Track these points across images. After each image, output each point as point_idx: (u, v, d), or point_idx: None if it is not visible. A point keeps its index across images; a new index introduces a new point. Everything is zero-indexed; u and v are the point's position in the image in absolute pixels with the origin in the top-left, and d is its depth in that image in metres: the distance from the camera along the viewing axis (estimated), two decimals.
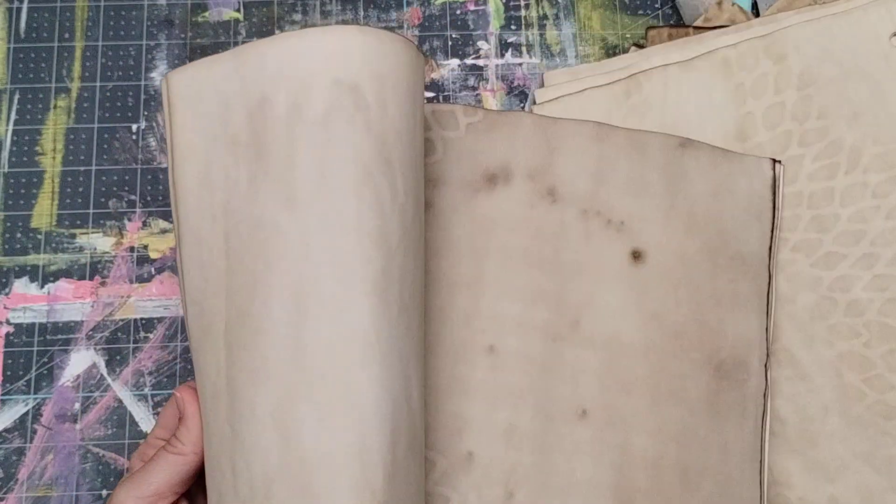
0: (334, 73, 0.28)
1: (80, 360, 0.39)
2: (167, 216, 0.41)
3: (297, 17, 0.44)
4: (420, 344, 0.32)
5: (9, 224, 0.41)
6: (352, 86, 0.28)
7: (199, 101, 0.30)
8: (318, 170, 0.28)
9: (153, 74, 0.43)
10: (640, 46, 0.43)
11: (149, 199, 0.41)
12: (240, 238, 0.29)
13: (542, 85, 0.43)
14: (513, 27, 0.44)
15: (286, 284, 0.28)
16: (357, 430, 0.28)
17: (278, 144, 0.28)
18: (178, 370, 0.39)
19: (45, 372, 0.39)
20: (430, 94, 0.43)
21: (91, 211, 0.41)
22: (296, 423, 0.27)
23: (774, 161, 0.39)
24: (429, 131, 0.39)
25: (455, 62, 0.43)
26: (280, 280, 0.28)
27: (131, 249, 0.41)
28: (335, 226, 0.28)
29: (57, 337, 0.39)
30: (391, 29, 0.44)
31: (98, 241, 0.41)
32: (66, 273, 0.40)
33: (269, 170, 0.28)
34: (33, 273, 0.40)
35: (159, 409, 0.39)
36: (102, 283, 0.40)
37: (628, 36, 0.44)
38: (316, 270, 0.28)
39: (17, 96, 0.42)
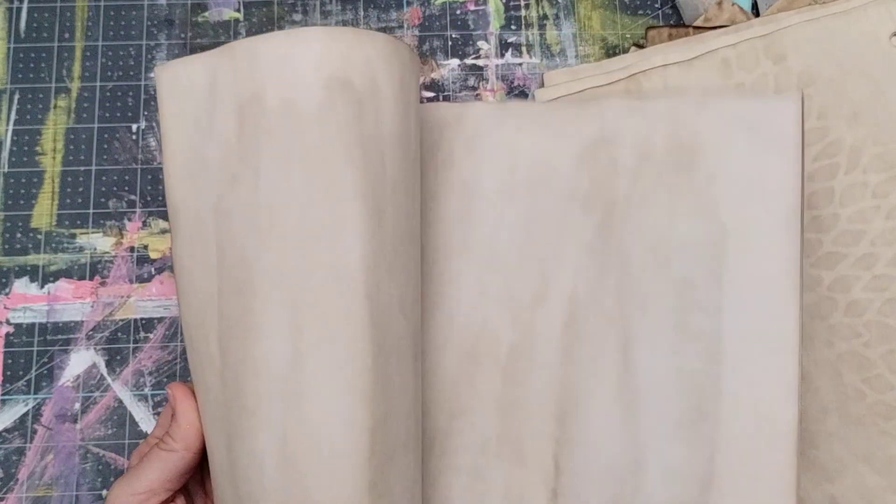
0: (327, 70, 0.28)
1: (80, 360, 0.39)
2: (167, 216, 0.41)
3: (298, 17, 0.44)
4: (414, 348, 0.32)
5: (9, 224, 0.41)
6: (345, 82, 0.28)
7: (188, 96, 0.30)
8: (313, 169, 0.28)
9: (153, 74, 0.43)
10: (640, 46, 0.43)
11: (149, 199, 0.41)
12: (232, 235, 0.29)
13: (541, 85, 0.43)
14: (513, 27, 0.44)
15: (283, 290, 0.28)
16: (352, 440, 0.28)
17: (272, 142, 0.28)
18: (178, 370, 0.39)
19: (45, 372, 0.39)
20: (429, 94, 0.43)
21: (91, 211, 0.41)
22: (293, 435, 0.28)
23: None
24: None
25: (455, 62, 0.43)
26: (277, 285, 0.28)
27: (131, 249, 0.41)
28: (333, 231, 0.28)
29: (57, 337, 0.39)
30: (391, 29, 0.44)
31: (98, 241, 0.41)
32: (66, 273, 0.40)
33: (262, 166, 0.28)
34: (33, 273, 0.40)
35: (159, 409, 0.39)
36: (102, 283, 0.40)
37: (628, 36, 0.44)
38: (314, 279, 0.28)
39: (17, 96, 0.42)
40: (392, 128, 0.30)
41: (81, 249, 0.40)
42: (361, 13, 0.44)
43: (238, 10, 0.44)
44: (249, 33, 0.43)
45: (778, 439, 0.33)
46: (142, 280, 0.40)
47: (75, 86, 0.42)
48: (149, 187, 0.41)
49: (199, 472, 0.33)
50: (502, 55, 0.44)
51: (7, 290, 0.40)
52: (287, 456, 0.28)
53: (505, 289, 0.37)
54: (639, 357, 0.35)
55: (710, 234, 0.35)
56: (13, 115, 0.42)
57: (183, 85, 0.30)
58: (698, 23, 0.42)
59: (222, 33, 0.43)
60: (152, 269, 0.40)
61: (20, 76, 0.42)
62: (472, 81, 0.43)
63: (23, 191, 0.41)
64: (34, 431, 0.38)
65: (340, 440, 0.28)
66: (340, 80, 0.28)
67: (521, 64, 0.44)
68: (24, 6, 0.43)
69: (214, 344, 0.29)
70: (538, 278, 0.37)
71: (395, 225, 0.30)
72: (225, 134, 0.29)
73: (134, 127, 0.42)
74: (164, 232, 0.41)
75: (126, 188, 0.41)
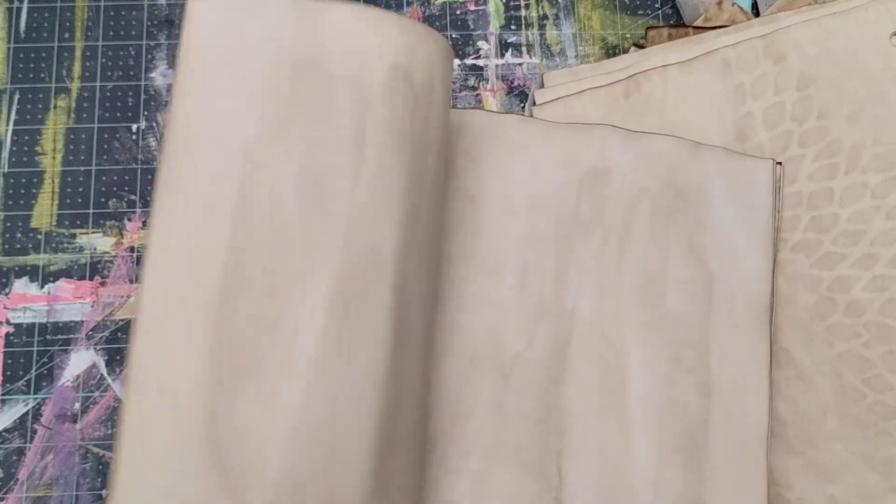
0: (394, 58, 0.28)
1: (80, 360, 0.39)
2: None
3: None
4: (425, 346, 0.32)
5: (9, 224, 0.41)
6: (408, 74, 0.29)
7: (243, 28, 0.28)
8: (366, 148, 0.28)
9: (153, 74, 0.43)
10: (641, 46, 0.43)
11: (149, 199, 0.41)
12: (267, 187, 0.27)
13: (541, 85, 0.43)
14: (513, 27, 0.44)
15: (326, 260, 0.27)
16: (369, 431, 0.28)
17: (328, 112, 0.28)
18: None
19: (45, 372, 0.39)
20: None
21: (91, 211, 0.41)
22: (311, 406, 0.27)
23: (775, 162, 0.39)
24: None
25: (455, 62, 0.43)
26: (321, 253, 0.27)
27: (131, 249, 0.41)
28: (376, 216, 0.28)
29: (57, 337, 0.39)
30: None
31: (98, 241, 0.41)
32: (66, 273, 0.40)
33: (312, 131, 0.28)
34: (33, 273, 0.40)
35: None
36: (102, 283, 0.40)
37: (628, 36, 0.44)
38: (353, 258, 0.28)
39: (17, 96, 0.42)
40: (436, 129, 0.30)
41: (81, 249, 0.40)
42: None
43: None
44: None
45: (754, 471, 0.36)
46: None
47: (75, 86, 0.42)
48: (149, 187, 0.41)
49: None
50: (502, 55, 0.44)
51: (7, 290, 0.40)
52: (299, 426, 0.26)
53: (509, 299, 0.37)
54: (636, 383, 0.36)
55: (699, 277, 0.37)
56: (13, 115, 0.42)
57: (231, 22, 0.28)
58: (698, 23, 0.42)
59: None
60: None
61: (20, 76, 0.42)
62: (472, 81, 0.43)
63: (23, 191, 0.41)
64: (34, 431, 0.38)
65: (352, 422, 0.27)
66: (404, 72, 0.28)
67: (521, 64, 0.44)
68: (24, 6, 0.43)
69: (214, 294, 0.27)
70: (542, 293, 0.37)
71: (427, 225, 0.30)
72: (277, 90, 0.28)
73: (134, 127, 0.42)
74: None
75: (126, 188, 0.41)
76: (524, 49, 0.44)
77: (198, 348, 0.27)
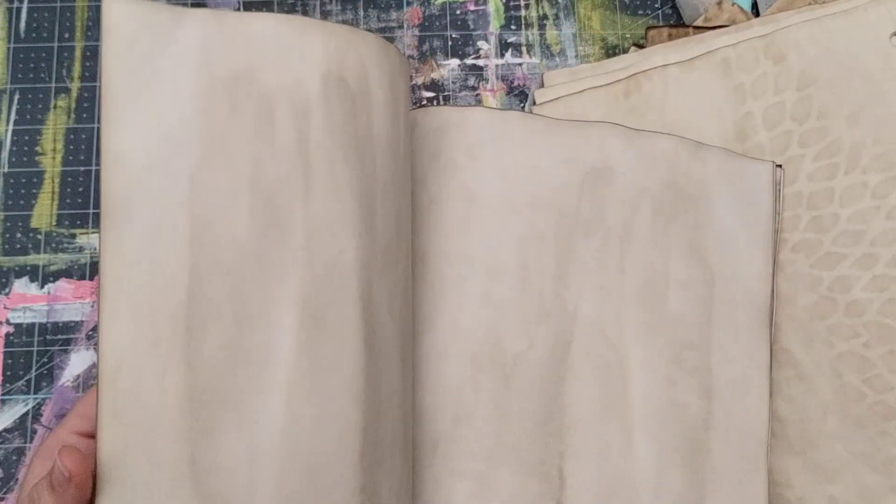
0: (326, 65, 0.28)
1: (80, 360, 0.39)
2: None
3: None
4: (405, 345, 0.32)
5: (9, 224, 0.41)
6: (340, 79, 0.29)
7: (163, 50, 0.27)
8: (312, 161, 0.28)
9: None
10: (640, 46, 0.43)
11: None
12: (216, 210, 0.27)
13: (541, 85, 0.43)
14: (513, 27, 0.44)
15: (288, 280, 0.27)
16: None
17: (268, 125, 0.28)
18: None
19: (45, 372, 0.39)
20: (429, 94, 0.43)
21: (91, 211, 0.41)
22: (292, 430, 0.27)
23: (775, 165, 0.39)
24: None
25: (455, 62, 0.43)
26: (281, 273, 0.27)
27: None
28: (332, 227, 0.28)
29: (57, 337, 0.39)
30: (391, 29, 0.44)
31: (98, 241, 0.41)
32: (66, 273, 0.40)
33: (257, 150, 0.27)
34: (33, 273, 0.40)
35: None
36: None
37: (628, 36, 0.44)
38: (316, 274, 0.28)
39: (17, 96, 0.42)
40: (382, 130, 0.30)
41: (81, 249, 0.40)
42: (361, 13, 0.44)
43: (238, 11, 0.44)
44: None
45: (755, 471, 0.36)
46: None
47: (75, 86, 0.42)
48: None
49: None
50: (502, 55, 0.44)
51: (7, 290, 0.40)
52: (285, 452, 0.27)
53: (510, 299, 0.37)
54: (637, 384, 0.36)
55: (700, 277, 0.37)
56: (13, 115, 0.42)
57: (155, 32, 0.27)
58: (698, 23, 0.42)
59: None
60: None
61: (20, 76, 0.42)
62: (472, 81, 0.43)
63: (23, 191, 0.41)
64: (34, 431, 0.38)
65: (335, 440, 0.27)
66: (337, 77, 0.28)
67: (521, 64, 0.44)
68: (24, 6, 0.43)
69: (179, 328, 0.26)
70: (543, 293, 0.37)
71: (385, 227, 0.30)
72: (212, 104, 0.27)
73: None
74: None
75: None
76: (524, 49, 0.44)
77: (170, 386, 0.26)
